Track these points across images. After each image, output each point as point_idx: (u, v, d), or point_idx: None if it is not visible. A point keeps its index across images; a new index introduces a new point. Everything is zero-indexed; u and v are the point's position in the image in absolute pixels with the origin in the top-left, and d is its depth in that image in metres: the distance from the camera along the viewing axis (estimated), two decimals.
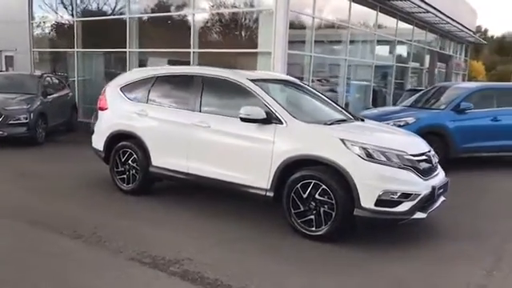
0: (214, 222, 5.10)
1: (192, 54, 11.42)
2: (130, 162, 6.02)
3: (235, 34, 11.87)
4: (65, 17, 14.46)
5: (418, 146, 4.92)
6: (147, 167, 5.84)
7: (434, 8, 16.88)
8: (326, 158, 4.44)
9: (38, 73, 12.54)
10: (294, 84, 6.35)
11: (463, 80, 26.66)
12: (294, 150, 4.64)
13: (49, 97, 10.63)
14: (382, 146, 4.46)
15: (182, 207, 5.59)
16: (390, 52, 17.35)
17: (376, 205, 4.28)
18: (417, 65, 20.05)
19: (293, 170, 4.67)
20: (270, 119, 4.83)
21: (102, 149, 6.32)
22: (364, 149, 4.39)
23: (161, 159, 5.70)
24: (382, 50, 17.19)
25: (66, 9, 14.27)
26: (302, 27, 11.80)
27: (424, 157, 4.73)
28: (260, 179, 4.87)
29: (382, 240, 4.65)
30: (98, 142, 6.41)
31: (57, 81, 12.19)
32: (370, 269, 4.01)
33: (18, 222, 4.89)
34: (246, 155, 4.98)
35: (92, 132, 6.66)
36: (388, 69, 17.02)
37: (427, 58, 20.51)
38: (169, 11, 12.64)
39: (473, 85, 10.23)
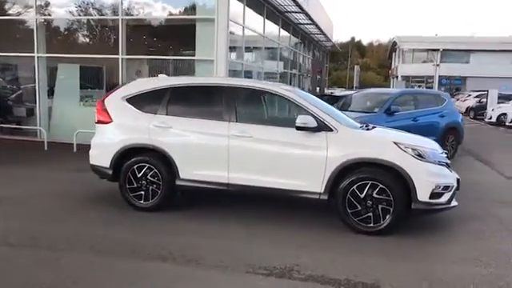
0: (273, 227, 5.26)
1: (121, 60, 10.85)
2: (148, 177, 5.72)
3: (171, 41, 11.62)
4: None
5: (436, 144, 5.77)
6: (172, 181, 5.64)
7: (313, 21, 18.77)
8: (387, 160, 4.98)
9: None
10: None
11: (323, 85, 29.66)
12: (352, 154, 5.07)
13: None
14: (424, 146, 5.18)
15: (223, 217, 5.59)
16: (278, 59, 18.34)
17: (430, 198, 4.97)
18: (295, 71, 21.82)
19: (347, 173, 5.10)
20: (320, 127, 5.17)
21: (107, 165, 5.85)
22: (414, 150, 5.06)
23: (192, 171, 5.56)
24: (270, 57, 18.09)
25: None
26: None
27: (445, 153, 5.59)
28: (313, 184, 5.18)
29: (417, 227, 5.36)
30: (101, 158, 5.92)
31: None
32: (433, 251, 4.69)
33: (84, 254, 4.37)
34: (298, 162, 5.24)
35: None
36: (274, 75, 17.94)
37: (305, 65, 22.52)
38: (94, 15, 11.77)
39: (396, 90, 11.81)
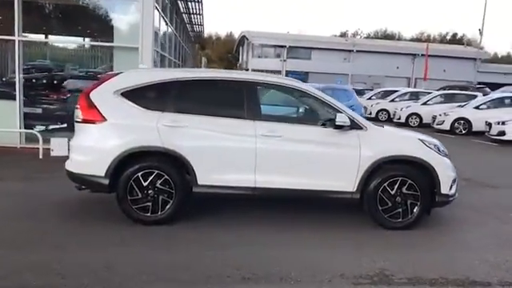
0: (309, 230, 5.03)
1: (17, 43, 9.00)
2: (158, 185, 4.89)
3: (84, 23, 10.01)
4: None
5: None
6: (189, 188, 4.94)
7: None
8: (418, 157, 5.16)
9: None
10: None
11: None
12: (384, 152, 5.11)
13: None
14: (437, 143, 5.51)
15: (248, 223, 5.11)
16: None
17: (448, 190, 5.32)
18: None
19: (378, 170, 5.14)
20: (352, 125, 5.10)
21: (101, 174, 4.82)
22: (435, 145, 5.35)
23: (213, 176, 4.94)
24: None
25: None
26: None
27: None
28: (347, 183, 5.10)
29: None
30: (92, 165, 4.86)
31: None
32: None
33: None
34: (331, 162, 5.08)
35: None
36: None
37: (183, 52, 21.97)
38: None
39: (320, 85, 12.21)
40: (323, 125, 5.13)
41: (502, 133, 13.89)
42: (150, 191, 4.89)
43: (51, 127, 10.11)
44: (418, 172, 5.19)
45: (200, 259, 4.07)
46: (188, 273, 3.78)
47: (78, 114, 4.96)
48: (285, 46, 43.91)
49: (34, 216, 5.13)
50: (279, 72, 42.38)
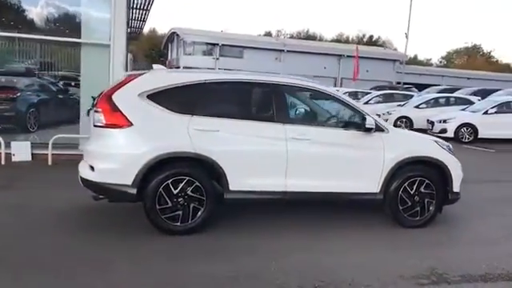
0: (338, 234, 5.05)
1: None
2: (188, 192, 4.65)
3: (42, 18, 9.14)
4: None
5: None
6: (220, 194, 4.75)
7: None
8: (436, 157, 5.38)
9: None
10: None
11: None
12: (406, 153, 5.26)
13: None
14: (448, 144, 5.79)
15: (283, 228, 5.01)
16: None
17: (458, 188, 5.62)
18: None
19: (399, 171, 5.29)
20: (376, 128, 5.21)
21: (129, 183, 4.47)
22: (447, 146, 5.63)
23: (245, 182, 4.78)
24: None
25: None
26: None
27: None
28: (372, 184, 5.20)
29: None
30: (119, 174, 4.49)
31: None
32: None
33: None
34: (359, 164, 5.14)
35: None
36: None
37: None
38: None
39: None
40: (351, 127, 5.18)
41: (444, 130, 14.95)
42: (180, 199, 4.63)
43: None
44: (434, 171, 5.42)
45: (261, 269, 3.92)
46: (260, 283, 3.64)
47: (100, 118, 4.55)
48: (217, 44, 43.64)
49: (49, 230, 4.66)
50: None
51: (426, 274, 4.04)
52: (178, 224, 4.65)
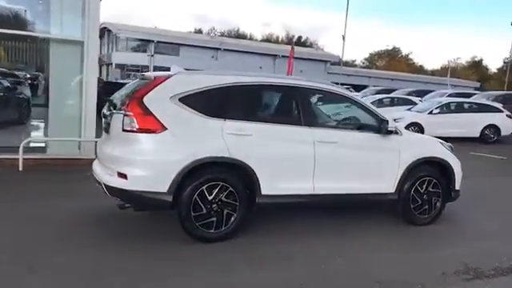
0: (370, 230, 5.19)
1: None
2: (223, 198, 4.53)
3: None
4: None
5: None
6: (252, 199, 4.69)
7: None
8: (442, 158, 5.68)
9: None
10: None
11: None
12: (418, 155, 5.49)
13: None
14: (449, 144, 6.13)
15: (313, 231, 5.04)
16: None
17: (459, 186, 5.99)
18: None
19: (411, 172, 5.54)
20: (392, 131, 5.41)
21: (164, 190, 4.26)
22: (450, 146, 5.97)
23: (276, 186, 4.74)
24: None
25: None
26: None
27: None
28: (390, 185, 5.39)
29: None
30: (154, 181, 4.26)
31: None
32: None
33: None
34: (380, 165, 5.31)
35: None
36: None
37: None
38: None
39: None
40: (372, 130, 5.30)
41: None
42: (214, 205, 4.50)
43: None
44: (441, 171, 5.74)
45: (312, 273, 3.93)
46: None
47: (131, 123, 4.28)
48: (153, 41, 42.56)
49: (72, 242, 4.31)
50: (147, 67, 40.95)
51: (462, 269, 4.26)
52: (212, 231, 4.52)
